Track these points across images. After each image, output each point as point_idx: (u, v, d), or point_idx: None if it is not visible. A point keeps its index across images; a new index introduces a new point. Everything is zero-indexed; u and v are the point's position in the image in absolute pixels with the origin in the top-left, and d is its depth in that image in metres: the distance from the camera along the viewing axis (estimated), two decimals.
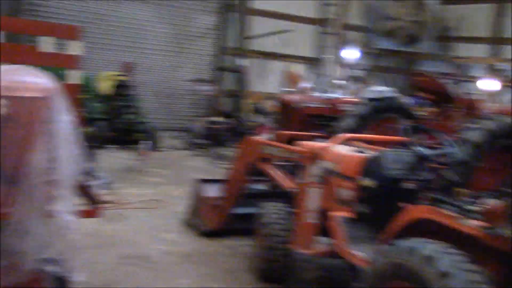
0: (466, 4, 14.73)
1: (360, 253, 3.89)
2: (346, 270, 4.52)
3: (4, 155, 2.47)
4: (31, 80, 2.63)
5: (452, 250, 3.01)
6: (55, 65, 3.97)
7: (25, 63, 2.96)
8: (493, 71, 12.59)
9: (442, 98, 7.55)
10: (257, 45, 13.71)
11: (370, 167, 4.26)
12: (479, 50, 14.44)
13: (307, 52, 14.50)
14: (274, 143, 5.14)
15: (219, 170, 8.70)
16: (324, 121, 8.39)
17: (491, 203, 2.83)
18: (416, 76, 7.81)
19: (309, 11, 14.30)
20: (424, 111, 8.04)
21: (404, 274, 3.12)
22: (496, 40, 13.91)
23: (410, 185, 4.10)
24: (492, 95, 10.45)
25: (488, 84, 10.68)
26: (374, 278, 3.32)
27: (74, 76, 3.81)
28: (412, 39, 14.87)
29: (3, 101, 2.50)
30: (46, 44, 3.76)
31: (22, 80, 2.59)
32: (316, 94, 9.44)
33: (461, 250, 3.04)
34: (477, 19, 14.44)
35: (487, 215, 2.84)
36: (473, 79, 12.75)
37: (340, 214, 4.26)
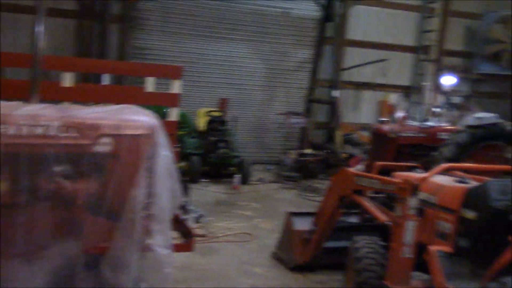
0: None
1: None
2: None
3: (108, 191, 2.58)
4: (136, 118, 2.75)
5: None
6: (159, 103, 4.20)
7: (133, 103, 3.12)
8: None
9: None
10: (353, 75, 13.61)
11: (472, 198, 4.00)
12: None
13: (405, 81, 14.14)
14: (369, 174, 4.99)
15: (310, 203, 8.59)
16: (420, 151, 8.10)
17: None
18: None
19: (406, 39, 14.01)
20: None
21: None
22: None
23: None
24: None
25: None
26: None
27: (174, 114, 3.99)
28: None
29: (108, 139, 2.62)
30: (152, 85, 4.00)
31: (127, 118, 2.72)
32: (412, 123, 9.14)
33: None
34: None
35: None
36: None
37: (439, 249, 4.02)
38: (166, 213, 2.74)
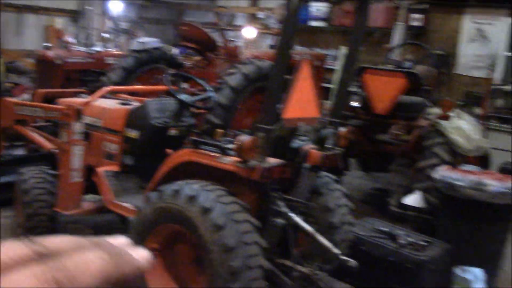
0: None
1: (129, 204, 3.89)
2: (118, 223, 4.51)
3: None
4: None
5: (212, 187, 3.18)
6: None
7: None
8: (253, 20, 13.43)
9: (206, 46, 7.79)
10: None
11: (133, 118, 4.23)
12: (241, 1, 15.21)
13: (71, 5, 13.57)
14: (31, 103, 4.74)
15: None
16: (89, 76, 8.05)
17: (242, 138, 3.03)
18: (181, 26, 7.87)
19: None
20: (190, 60, 8.22)
21: (171, 216, 3.21)
22: None
23: (175, 132, 4.19)
24: (252, 42, 11.17)
25: (249, 32, 11.37)
26: (143, 225, 3.35)
27: None
28: None
29: None
30: None
31: None
32: (79, 48, 8.93)
33: (222, 186, 3.24)
34: None
35: (239, 150, 3.04)
36: (236, 28, 13.45)
37: (107, 169, 4.18)
38: None
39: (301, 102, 3.20)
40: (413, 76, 5.74)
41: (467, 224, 4.45)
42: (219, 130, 3.59)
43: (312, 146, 3.73)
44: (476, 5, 9.06)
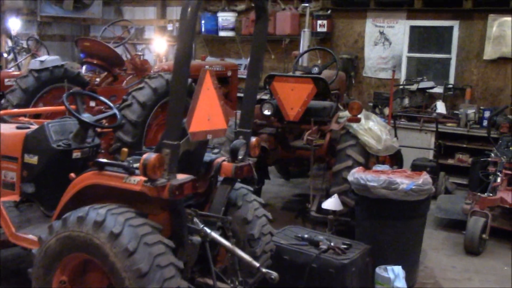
0: None
1: (32, 236, 3.60)
2: (26, 257, 4.19)
3: None
4: None
5: (120, 210, 2.99)
6: None
7: None
8: (163, 32, 13.18)
9: (111, 62, 7.48)
10: None
11: (32, 143, 3.95)
12: (149, 13, 14.84)
13: None
14: None
15: None
16: None
17: (146, 156, 2.87)
18: (83, 42, 7.51)
19: None
20: (97, 77, 7.88)
21: (78, 245, 2.99)
22: (162, 3, 14.47)
23: (79, 154, 3.95)
24: (163, 55, 10.95)
25: (159, 45, 11.14)
26: (48, 257, 3.10)
27: None
28: (81, 5, 14.39)
29: None
30: None
31: None
32: None
33: (131, 207, 3.05)
34: None
35: (144, 169, 2.87)
36: (145, 41, 13.17)
37: (6, 199, 3.86)
38: None
39: (207, 114, 3.09)
40: (321, 81, 5.80)
41: (384, 223, 4.52)
42: (125, 149, 3.39)
43: (224, 158, 3.63)
44: (376, 9, 9.40)
